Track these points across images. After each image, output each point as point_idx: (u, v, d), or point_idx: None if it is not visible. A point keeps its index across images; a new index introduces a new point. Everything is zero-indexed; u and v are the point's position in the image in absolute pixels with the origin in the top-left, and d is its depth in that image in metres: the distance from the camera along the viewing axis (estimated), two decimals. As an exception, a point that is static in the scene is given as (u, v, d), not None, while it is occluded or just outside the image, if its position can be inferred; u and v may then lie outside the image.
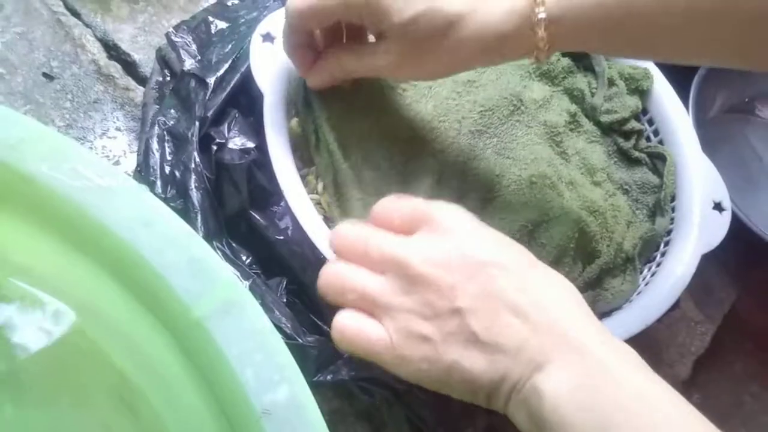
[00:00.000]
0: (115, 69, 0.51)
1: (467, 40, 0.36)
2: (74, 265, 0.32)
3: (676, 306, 0.47)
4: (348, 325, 0.34)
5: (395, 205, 0.36)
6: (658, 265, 0.48)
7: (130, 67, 0.51)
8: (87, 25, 0.51)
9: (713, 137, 0.63)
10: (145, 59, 0.52)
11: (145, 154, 0.44)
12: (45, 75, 0.48)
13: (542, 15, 0.36)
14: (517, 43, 0.37)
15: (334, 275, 0.35)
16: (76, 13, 0.51)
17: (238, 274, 0.41)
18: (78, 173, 0.31)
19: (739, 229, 0.56)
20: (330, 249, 0.37)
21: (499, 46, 0.37)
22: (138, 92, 0.50)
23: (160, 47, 0.50)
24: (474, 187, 0.45)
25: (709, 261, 0.59)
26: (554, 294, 0.33)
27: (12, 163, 0.30)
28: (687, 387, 0.56)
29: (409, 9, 0.36)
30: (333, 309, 0.36)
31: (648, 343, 0.55)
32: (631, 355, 0.32)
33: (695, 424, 0.30)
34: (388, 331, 0.33)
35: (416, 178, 0.44)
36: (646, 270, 0.49)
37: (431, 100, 0.47)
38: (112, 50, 0.51)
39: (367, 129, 0.44)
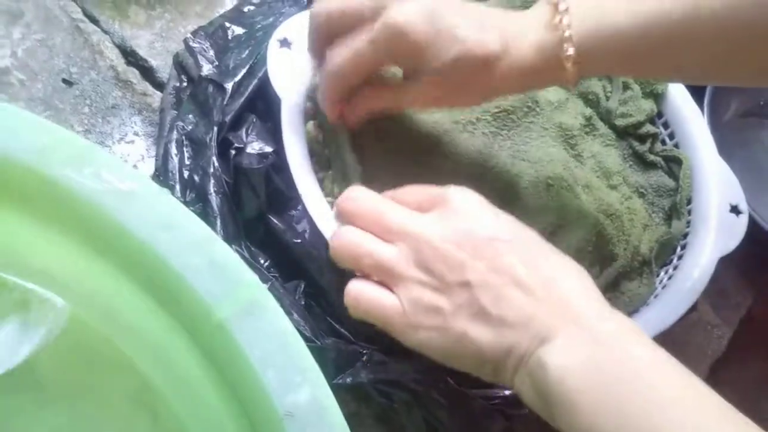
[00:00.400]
0: (132, 74, 0.51)
1: (501, 77, 0.38)
2: (95, 268, 0.32)
3: (693, 309, 0.47)
4: (363, 291, 0.36)
5: (410, 188, 0.39)
6: (675, 268, 0.48)
7: (147, 72, 0.52)
8: (105, 32, 0.51)
9: (729, 141, 0.63)
10: (162, 65, 0.52)
11: (164, 158, 0.44)
12: (64, 81, 0.49)
13: (570, 52, 0.37)
14: (547, 76, 0.39)
15: (348, 240, 0.36)
16: (94, 20, 0.51)
17: (257, 277, 0.41)
18: (100, 177, 0.31)
19: (755, 233, 0.56)
20: (338, 211, 0.38)
21: (530, 81, 0.40)
22: (155, 97, 0.51)
23: (177, 53, 0.51)
24: (491, 190, 0.45)
25: (725, 265, 0.58)
26: (561, 271, 0.35)
27: (36, 167, 0.31)
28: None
29: (445, 54, 0.37)
30: (349, 314, 0.37)
31: (664, 346, 0.54)
32: (636, 330, 0.33)
33: (700, 394, 0.31)
34: (401, 300, 0.35)
35: (431, 180, 0.44)
36: (663, 273, 0.49)
37: (447, 104, 0.47)
38: (130, 56, 0.52)
39: (381, 132, 0.44)
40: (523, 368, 0.33)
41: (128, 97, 0.50)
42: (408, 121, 0.46)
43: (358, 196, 0.38)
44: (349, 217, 0.38)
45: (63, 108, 0.48)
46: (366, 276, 0.37)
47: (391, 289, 0.36)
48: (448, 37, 0.37)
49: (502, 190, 0.45)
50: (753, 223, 0.56)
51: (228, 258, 0.32)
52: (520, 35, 0.38)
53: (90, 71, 0.50)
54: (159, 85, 0.52)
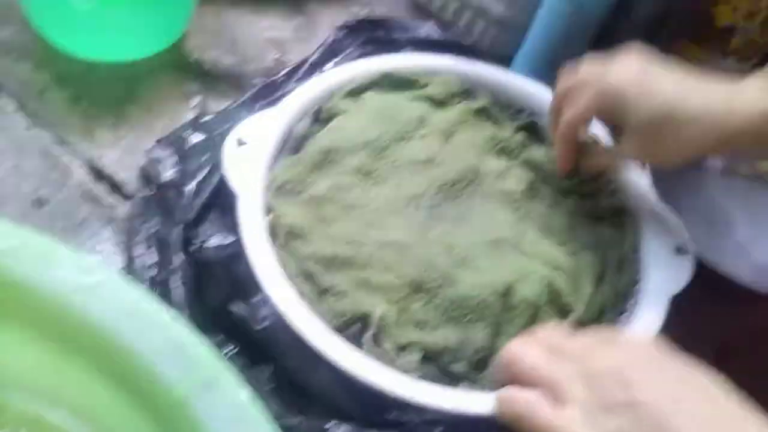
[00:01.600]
0: (101, 189, 0.55)
1: (702, 136, 0.44)
2: (63, 363, 0.34)
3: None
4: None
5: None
6: (631, 314, 0.50)
7: (115, 186, 0.55)
8: (74, 153, 0.55)
9: (672, 190, 0.66)
10: (129, 178, 0.56)
11: (129, 261, 0.46)
12: (35, 202, 0.52)
13: None
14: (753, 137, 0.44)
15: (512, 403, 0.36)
16: (63, 143, 0.56)
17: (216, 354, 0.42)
18: (64, 274, 0.34)
19: (714, 277, 0.58)
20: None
21: (731, 140, 0.44)
22: (124, 208, 0.54)
23: (143, 165, 0.54)
24: (437, 258, 0.47)
25: (690, 311, 0.60)
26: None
27: (2, 269, 0.33)
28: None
29: (648, 112, 0.45)
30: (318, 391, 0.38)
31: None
32: None
33: None
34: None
35: (379, 258, 0.46)
36: (622, 322, 0.51)
37: (391, 182, 0.50)
38: (99, 173, 0.56)
39: (330, 215, 0.47)
40: None
41: (97, 211, 0.54)
42: (356, 204, 0.49)
43: (512, 358, 0.38)
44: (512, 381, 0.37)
45: (35, 228, 0.51)
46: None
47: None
48: (650, 96, 0.44)
49: (449, 256, 0.47)
50: (710, 268, 0.58)
51: (187, 338, 0.34)
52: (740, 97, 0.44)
53: (60, 190, 0.54)
54: (127, 197, 0.55)
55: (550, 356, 0.36)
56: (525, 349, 0.37)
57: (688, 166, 0.68)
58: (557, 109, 0.50)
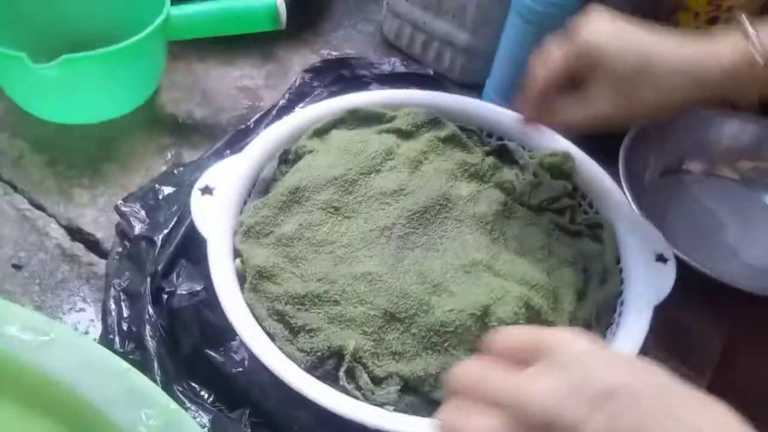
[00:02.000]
0: (78, 249, 0.55)
1: (680, 83, 0.44)
2: (21, 420, 0.34)
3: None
4: None
5: (510, 331, 0.35)
6: (617, 325, 0.49)
7: (93, 245, 0.56)
8: (51, 216, 0.56)
9: (657, 201, 0.65)
10: (107, 236, 0.56)
11: (103, 316, 0.46)
12: (14, 266, 0.53)
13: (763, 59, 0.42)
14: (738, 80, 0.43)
15: (452, 419, 0.32)
16: (40, 207, 0.56)
17: (200, 411, 0.42)
18: (18, 333, 0.34)
19: (707, 282, 0.57)
20: (448, 390, 0.34)
21: (709, 87, 0.44)
22: (101, 266, 0.54)
23: (119, 222, 0.55)
24: (410, 287, 0.46)
25: (686, 318, 0.59)
26: (705, 417, 0.28)
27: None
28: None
29: (626, 63, 0.45)
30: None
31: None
32: None
33: None
34: None
35: (351, 292, 0.46)
36: (609, 334, 0.50)
37: (361, 216, 0.50)
38: (76, 233, 0.56)
39: (300, 254, 0.47)
40: None
41: (75, 270, 0.54)
42: (326, 237, 0.49)
43: (461, 371, 0.34)
44: (458, 394, 0.33)
45: (14, 291, 0.52)
46: None
47: None
48: (627, 47, 0.45)
49: (422, 284, 0.46)
50: (701, 274, 0.57)
51: (142, 385, 0.33)
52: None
53: (38, 253, 0.54)
54: (104, 255, 0.55)
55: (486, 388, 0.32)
56: (467, 371, 0.33)
57: (669, 173, 0.68)
58: (532, 75, 0.49)
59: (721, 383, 0.56)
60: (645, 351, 0.48)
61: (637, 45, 0.45)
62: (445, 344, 0.45)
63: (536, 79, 0.49)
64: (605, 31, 0.46)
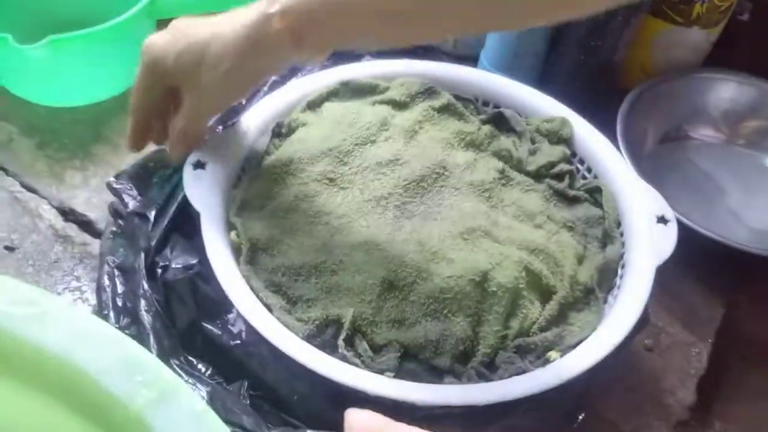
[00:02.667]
0: (71, 229, 0.54)
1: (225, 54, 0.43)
2: (15, 394, 0.33)
3: (645, 322, 0.46)
4: None
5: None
6: (620, 288, 0.48)
7: (86, 225, 0.55)
8: (43, 197, 0.55)
9: (658, 167, 0.65)
10: (100, 216, 0.56)
11: (98, 292, 0.46)
12: (6, 248, 0.52)
13: (274, 9, 0.41)
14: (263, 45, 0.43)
15: None
16: (32, 190, 0.56)
17: (197, 384, 0.41)
18: (7, 307, 0.33)
19: (707, 245, 0.56)
20: None
21: (251, 49, 0.43)
22: (95, 245, 0.54)
23: (112, 202, 0.54)
24: (408, 256, 0.46)
25: (687, 282, 0.59)
26: None
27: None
28: (705, 417, 0.53)
29: (191, 59, 0.45)
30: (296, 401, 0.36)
31: (646, 374, 0.53)
32: None
33: None
34: None
35: (349, 262, 0.45)
36: (611, 298, 0.49)
37: (357, 185, 0.50)
38: (69, 214, 0.55)
39: (296, 225, 0.47)
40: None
41: (69, 250, 0.53)
42: (322, 209, 0.48)
43: None
44: None
45: (6, 272, 0.51)
46: None
47: None
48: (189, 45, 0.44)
49: (420, 252, 0.46)
50: (703, 237, 0.56)
51: (137, 353, 0.33)
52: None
53: (31, 234, 0.53)
54: (98, 234, 0.55)
55: None
56: None
57: (669, 140, 0.68)
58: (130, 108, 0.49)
59: (723, 347, 0.56)
60: (647, 316, 0.47)
61: (198, 38, 0.44)
62: (445, 311, 0.45)
63: (132, 111, 0.49)
64: (161, 41, 0.45)
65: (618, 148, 0.59)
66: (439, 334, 0.44)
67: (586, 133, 0.56)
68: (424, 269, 0.45)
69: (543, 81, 0.67)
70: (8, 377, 0.34)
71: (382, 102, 0.57)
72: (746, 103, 0.66)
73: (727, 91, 0.66)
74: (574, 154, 0.56)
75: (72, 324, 0.33)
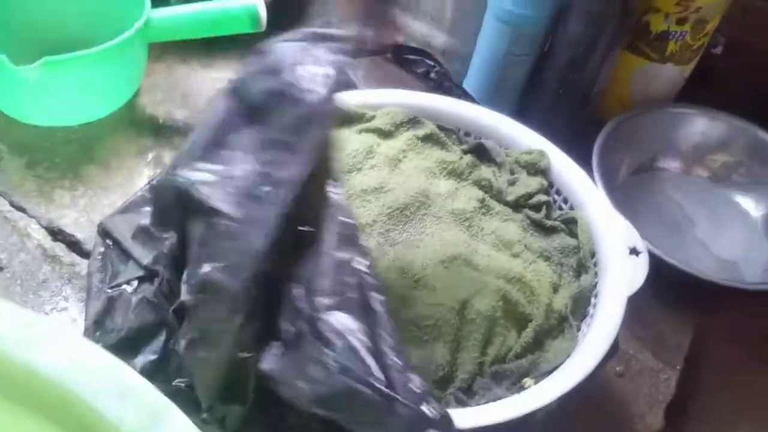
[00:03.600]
0: (60, 249, 0.55)
1: None
2: (8, 415, 0.34)
3: (614, 350, 0.48)
4: None
5: None
6: (593, 316, 0.50)
7: (74, 245, 0.56)
8: (32, 217, 0.56)
9: (631, 198, 0.67)
10: (88, 236, 0.57)
11: (87, 316, 0.47)
12: (-5, 267, 0.53)
13: None
14: None
15: None
16: (21, 209, 0.56)
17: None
18: (4, 329, 0.34)
19: (678, 276, 0.58)
20: None
21: None
22: (83, 265, 0.55)
23: (101, 222, 0.55)
24: (391, 283, 0.47)
25: (656, 310, 0.61)
26: None
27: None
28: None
29: None
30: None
31: (615, 399, 0.55)
32: None
33: None
34: None
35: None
36: (584, 326, 0.51)
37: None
38: (58, 234, 0.56)
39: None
40: None
41: (57, 270, 0.54)
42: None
43: None
44: None
45: (-5, 291, 0.52)
46: None
47: None
48: None
49: (403, 279, 0.47)
50: (673, 267, 0.58)
51: (129, 377, 0.34)
52: None
53: (19, 254, 0.54)
54: (86, 255, 0.55)
55: None
56: None
57: (642, 171, 0.70)
58: None
59: (691, 373, 0.58)
60: (617, 344, 0.49)
61: None
62: (425, 337, 0.46)
63: None
64: None
65: (593, 178, 0.61)
66: (420, 360, 0.45)
67: (563, 165, 0.58)
68: (407, 296, 0.47)
69: (523, 111, 0.69)
70: (1, 399, 0.35)
71: (368, 130, 0.59)
72: (716, 137, 0.69)
73: (698, 125, 0.69)
74: (551, 185, 0.58)
75: (65, 347, 0.35)
